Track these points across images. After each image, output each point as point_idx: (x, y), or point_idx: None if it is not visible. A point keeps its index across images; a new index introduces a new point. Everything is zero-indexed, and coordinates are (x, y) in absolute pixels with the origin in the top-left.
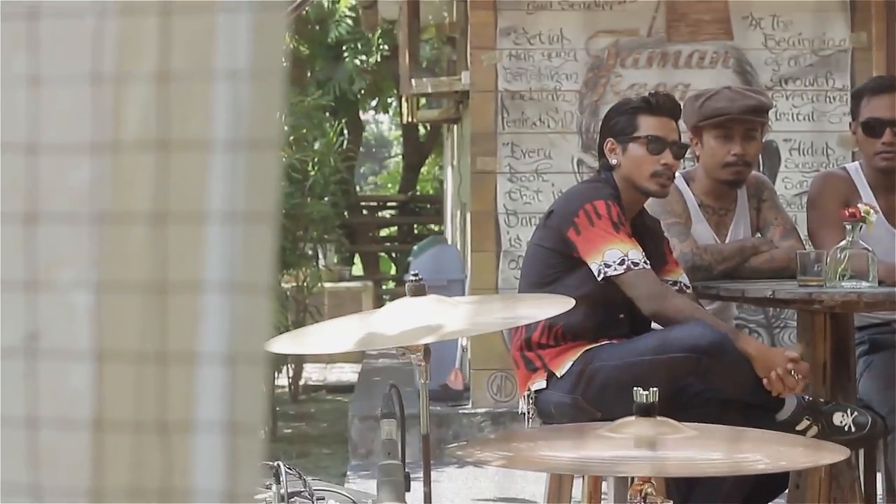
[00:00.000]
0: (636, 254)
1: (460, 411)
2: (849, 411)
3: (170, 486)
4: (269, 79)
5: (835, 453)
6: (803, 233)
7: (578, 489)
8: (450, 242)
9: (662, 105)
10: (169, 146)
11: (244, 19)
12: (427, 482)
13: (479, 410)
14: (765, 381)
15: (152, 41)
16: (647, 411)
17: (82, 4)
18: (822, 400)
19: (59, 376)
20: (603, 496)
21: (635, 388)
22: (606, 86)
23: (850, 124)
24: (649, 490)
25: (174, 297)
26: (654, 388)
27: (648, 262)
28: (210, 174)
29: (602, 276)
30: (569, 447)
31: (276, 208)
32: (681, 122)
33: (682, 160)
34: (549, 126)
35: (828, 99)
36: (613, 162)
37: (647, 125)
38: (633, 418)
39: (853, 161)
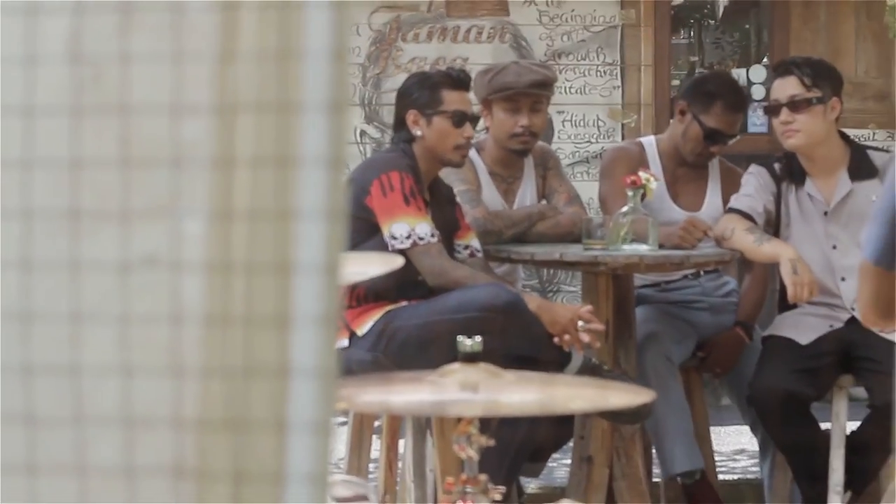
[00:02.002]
0: (424, 228)
1: None
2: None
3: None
4: (341, 57)
5: (644, 395)
6: (584, 199)
7: (376, 447)
8: None
9: (463, 80)
10: (266, 108)
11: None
12: None
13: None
14: (556, 338)
15: (253, 29)
16: (471, 358)
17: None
18: (605, 367)
19: (177, 286)
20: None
21: (459, 338)
22: (388, 59)
23: (679, 102)
24: (473, 431)
25: (272, 224)
26: (479, 337)
27: (437, 234)
28: (301, 130)
29: (391, 247)
30: (401, 392)
31: (346, 156)
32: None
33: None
34: None
35: (598, 73)
36: (418, 134)
37: (451, 99)
38: (457, 365)
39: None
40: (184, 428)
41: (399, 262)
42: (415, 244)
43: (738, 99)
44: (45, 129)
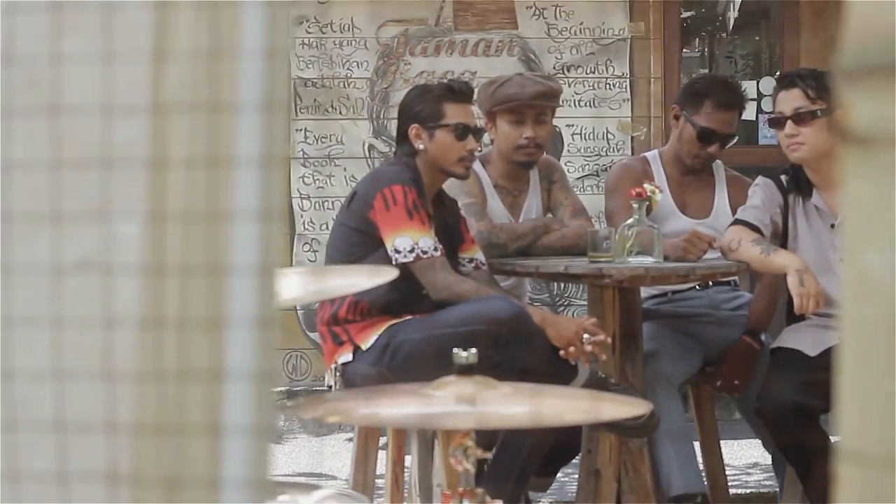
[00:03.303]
0: (427, 241)
1: None
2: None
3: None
4: (276, 56)
5: (640, 407)
6: (592, 213)
7: (382, 463)
8: None
9: (465, 92)
10: (200, 108)
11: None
12: None
13: (276, 389)
14: (561, 351)
15: (187, 28)
16: (466, 371)
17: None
18: (612, 381)
19: (110, 289)
20: (406, 469)
21: (455, 350)
22: (396, 73)
23: (673, 107)
24: (469, 444)
25: (206, 226)
26: (474, 350)
27: (440, 247)
28: (235, 130)
29: (394, 261)
30: (396, 405)
31: (287, 155)
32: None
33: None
34: (340, 112)
35: (608, 86)
36: (420, 147)
37: (453, 112)
38: (453, 377)
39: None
40: (118, 433)
41: (392, 274)
42: (418, 258)
43: (729, 97)
44: None
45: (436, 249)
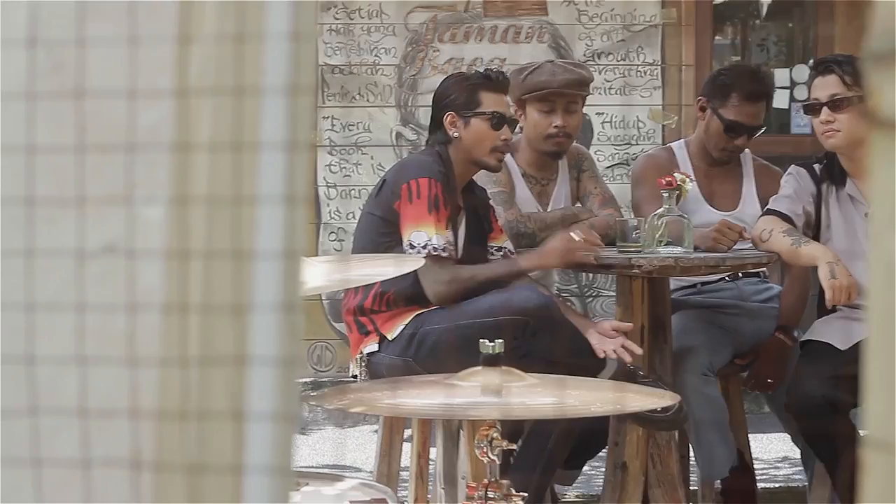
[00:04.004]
0: (440, 239)
1: None
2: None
3: (241, 353)
4: (302, 39)
5: (666, 399)
6: (622, 202)
7: (407, 454)
8: None
9: (502, 81)
10: (225, 92)
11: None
12: None
13: (301, 380)
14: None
15: (212, 11)
16: (492, 361)
17: None
18: (641, 373)
19: (134, 274)
20: (431, 462)
21: (481, 340)
22: (424, 60)
23: (699, 99)
24: (495, 435)
25: (231, 209)
26: (500, 340)
27: (450, 249)
28: (260, 114)
29: (407, 254)
30: (421, 395)
31: (312, 140)
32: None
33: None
34: (368, 100)
35: (638, 73)
36: (455, 135)
37: (489, 101)
38: (479, 368)
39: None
40: (141, 419)
41: (416, 263)
42: (429, 255)
43: (755, 88)
44: (1, 116)
45: (444, 249)
